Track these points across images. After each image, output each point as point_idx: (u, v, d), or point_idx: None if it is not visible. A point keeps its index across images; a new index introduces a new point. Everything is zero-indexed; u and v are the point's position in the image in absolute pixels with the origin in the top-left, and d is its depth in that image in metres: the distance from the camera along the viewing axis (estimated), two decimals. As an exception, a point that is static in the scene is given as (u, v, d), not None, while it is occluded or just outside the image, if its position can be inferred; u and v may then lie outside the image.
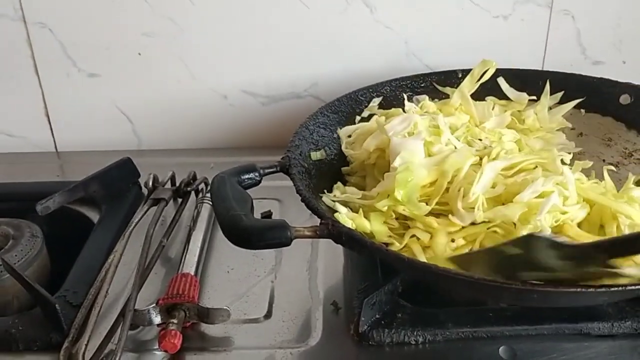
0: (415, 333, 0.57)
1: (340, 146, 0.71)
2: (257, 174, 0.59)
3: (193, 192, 0.77)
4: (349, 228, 0.52)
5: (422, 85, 0.78)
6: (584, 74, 0.78)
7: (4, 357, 0.57)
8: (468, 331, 0.57)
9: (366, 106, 0.75)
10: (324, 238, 0.51)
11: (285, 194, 0.76)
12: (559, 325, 0.57)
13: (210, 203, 0.74)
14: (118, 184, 0.77)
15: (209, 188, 0.77)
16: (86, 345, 0.55)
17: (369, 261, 0.64)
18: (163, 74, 0.86)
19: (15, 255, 0.66)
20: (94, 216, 0.76)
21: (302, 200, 0.56)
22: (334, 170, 0.69)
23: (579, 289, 0.46)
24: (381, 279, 0.61)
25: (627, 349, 0.57)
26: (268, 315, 0.61)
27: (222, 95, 0.88)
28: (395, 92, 0.77)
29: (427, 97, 0.77)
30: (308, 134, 0.68)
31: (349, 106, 0.74)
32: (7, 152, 0.90)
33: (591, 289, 0.46)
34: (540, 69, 0.87)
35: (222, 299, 0.63)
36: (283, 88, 0.88)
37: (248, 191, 0.57)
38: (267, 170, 0.60)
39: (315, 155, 0.66)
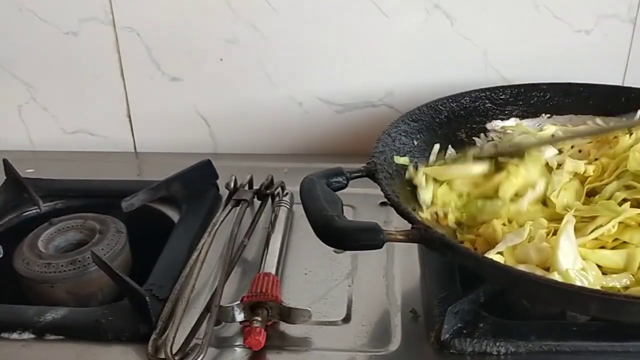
0: (497, 344, 0.56)
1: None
2: (344, 178, 0.60)
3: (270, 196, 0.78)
4: (442, 234, 0.52)
5: (502, 97, 0.78)
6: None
7: (94, 345, 0.59)
8: (552, 344, 0.57)
9: (445, 116, 0.75)
10: (415, 242, 0.51)
11: (358, 201, 0.77)
12: (646, 343, 0.56)
13: (287, 207, 0.76)
14: (198, 185, 0.79)
15: (285, 192, 0.78)
16: (174, 338, 0.57)
17: (447, 271, 0.64)
18: (242, 79, 0.88)
19: (102, 249, 0.69)
20: (174, 215, 0.78)
21: (392, 205, 0.56)
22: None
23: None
24: (460, 289, 0.61)
25: None
26: (347, 318, 0.62)
27: (298, 102, 0.89)
28: (475, 102, 0.77)
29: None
30: (390, 141, 0.68)
31: (429, 115, 0.74)
32: (88, 150, 0.94)
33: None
34: (620, 84, 0.85)
35: (301, 300, 0.63)
36: (358, 97, 0.89)
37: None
38: (354, 174, 0.61)
39: (399, 159, 0.67)
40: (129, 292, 0.61)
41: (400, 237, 0.51)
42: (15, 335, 0.59)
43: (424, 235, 0.50)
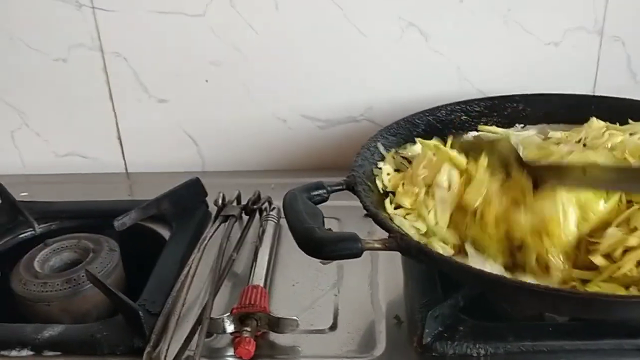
0: (477, 346, 0.59)
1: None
2: (325, 191, 0.63)
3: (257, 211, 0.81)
4: (417, 241, 0.55)
5: (477, 109, 0.81)
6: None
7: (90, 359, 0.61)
8: (529, 345, 0.59)
9: (422, 129, 0.78)
10: (392, 250, 0.54)
11: (343, 213, 0.79)
12: (619, 341, 0.59)
13: (275, 221, 0.78)
14: (187, 203, 0.82)
15: (272, 206, 0.81)
16: (167, 350, 0.59)
17: (429, 277, 0.66)
18: (227, 99, 0.91)
19: (96, 267, 0.71)
20: (165, 232, 0.80)
21: (370, 215, 0.59)
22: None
23: None
24: (441, 294, 0.64)
25: (688, 366, 0.57)
26: (333, 326, 0.64)
27: (282, 119, 0.92)
28: (451, 115, 0.80)
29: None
30: (369, 155, 0.71)
31: (407, 129, 0.77)
32: (80, 172, 0.96)
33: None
34: (591, 93, 0.89)
35: (289, 310, 0.65)
36: (340, 112, 0.92)
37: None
38: (334, 188, 0.63)
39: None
40: (123, 307, 0.63)
41: (378, 245, 0.53)
42: (14, 353, 0.61)
43: (400, 244, 0.53)
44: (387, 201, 0.67)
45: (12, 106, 0.93)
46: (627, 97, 0.80)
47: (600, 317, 0.58)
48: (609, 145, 0.69)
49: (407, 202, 0.66)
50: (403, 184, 0.69)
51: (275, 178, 0.90)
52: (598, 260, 0.57)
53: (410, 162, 0.74)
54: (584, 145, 0.72)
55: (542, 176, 0.60)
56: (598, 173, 0.60)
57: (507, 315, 0.64)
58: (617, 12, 0.85)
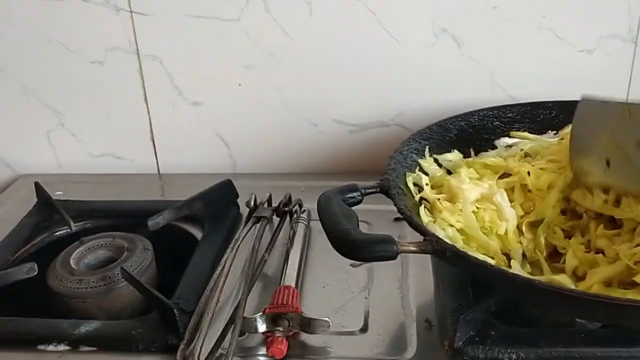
0: (509, 350, 0.59)
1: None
2: (359, 194, 0.63)
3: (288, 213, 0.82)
4: (453, 245, 0.55)
5: (509, 115, 0.81)
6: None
7: (125, 356, 0.62)
8: (561, 351, 0.59)
9: (455, 134, 0.78)
10: (427, 253, 0.54)
11: (373, 217, 0.80)
12: (652, 348, 0.58)
13: (305, 223, 0.79)
14: (219, 204, 0.83)
15: (302, 209, 0.82)
16: (200, 348, 0.60)
17: (460, 282, 0.66)
18: (259, 103, 0.92)
19: (130, 266, 0.72)
20: (197, 233, 0.81)
21: (405, 219, 0.59)
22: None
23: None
24: (472, 299, 0.64)
25: None
26: (364, 328, 0.65)
27: (313, 123, 0.93)
28: (483, 121, 0.80)
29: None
30: (402, 159, 0.71)
31: (439, 133, 0.77)
32: (114, 172, 0.98)
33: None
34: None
35: (320, 311, 0.66)
36: (371, 117, 0.92)
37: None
38: (368, 190, 0.64)
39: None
40: (158, 305, 0.64)
41: (413, 248, 0.54)
42: (51, 347, 0.63)
43: (435, 247, 0.53)
44: (421, 209, 0.67)
45: (48, 106, 0.95)
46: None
47: (637, 325, 0.57)
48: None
49: (452, 219, 0.66)
50: (439, 199, 0.69)
51: (305, 181, 0.91)
52: None
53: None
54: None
55: None
56: None
57: (537, 322, 0.64)
58: (653, 20, 0.85)
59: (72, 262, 0.73)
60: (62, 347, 0.63)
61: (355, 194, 0.63)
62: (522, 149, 0.75)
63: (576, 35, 0.86)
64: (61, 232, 0.83)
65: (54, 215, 0.83)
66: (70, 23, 0.89)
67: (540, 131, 0.81)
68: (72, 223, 0.82)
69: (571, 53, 0.87)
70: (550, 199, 0.67)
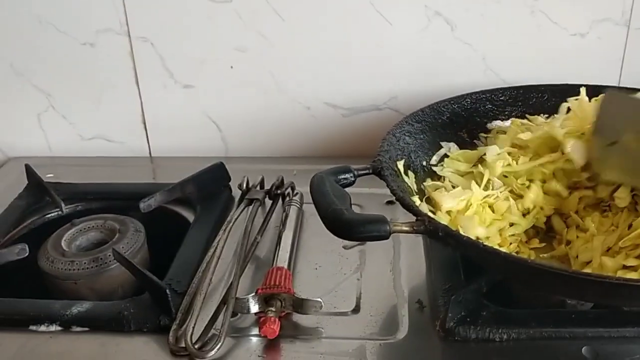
0: (500, 330, 0.59)
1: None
2: (351, 175, 0.63)
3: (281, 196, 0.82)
4: (445, 224, 0.55)
5: (501, 98, 0.81)
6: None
7: (117, 336, 0.62)
8: (551, 331, 0.60)
9: (447, 117, 0.79)
10: (419, 233, 0.54)
11: (365, 200, 0.80)
12: (642, 328, 0.59)
13: (297, 206, 0.79)
14: (211, 186, 0.83)
15: (295, 192, 0.82)
16: (193, 328, 0.60)
17: (452, 263, 0.67)
18: (252, 85, 0.92)
19: (122, 248, 0.72)
20: (189, 215, 0.81)
21: (397, 199, 0.59)
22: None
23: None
24: (463, 280, 0.64)
25: None
26: (356, 309, 0.65)
27: (306, 106, 0.93)
28: (476, 104, 0.80)
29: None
30: (395, 141, 0.71)
31: (432, 116, 0.77)
32: (105, 155, 0.97)
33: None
34: (616, 85, 0.89)
35: (312, 292, 0.66)
36: (363, 101, 0.92)
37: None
38: (360, 172, 0.64)
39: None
40: (150, 286, 0.64)
41: (406, 228, 0.54)
42: (43, 328, 0.63)
43: (427, 226, 0.54)
44: (416, 198, 0.68)
45: (39, 89, 0.94)
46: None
47: (627, 304, 0.58)
48: None
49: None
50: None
51: (298, 165, 0.91)
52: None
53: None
54: None
55: None
56: None
57: (528, 302, 0.64)
58: (645, 4, 0.85)
59: (63, 244, 0.73)
60: (54, 328, 0.63)
61: (348, 175, 0.63)
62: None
63: (569, 19, 0.86)
64: (52, 214, 0.82)
65: (44, 198, 0.83)
66: (61, 4, 0.88)
67: (532, 114, 0.81)
68: (63, 205, 0.81)
69: (564, 37, 0.87)
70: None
